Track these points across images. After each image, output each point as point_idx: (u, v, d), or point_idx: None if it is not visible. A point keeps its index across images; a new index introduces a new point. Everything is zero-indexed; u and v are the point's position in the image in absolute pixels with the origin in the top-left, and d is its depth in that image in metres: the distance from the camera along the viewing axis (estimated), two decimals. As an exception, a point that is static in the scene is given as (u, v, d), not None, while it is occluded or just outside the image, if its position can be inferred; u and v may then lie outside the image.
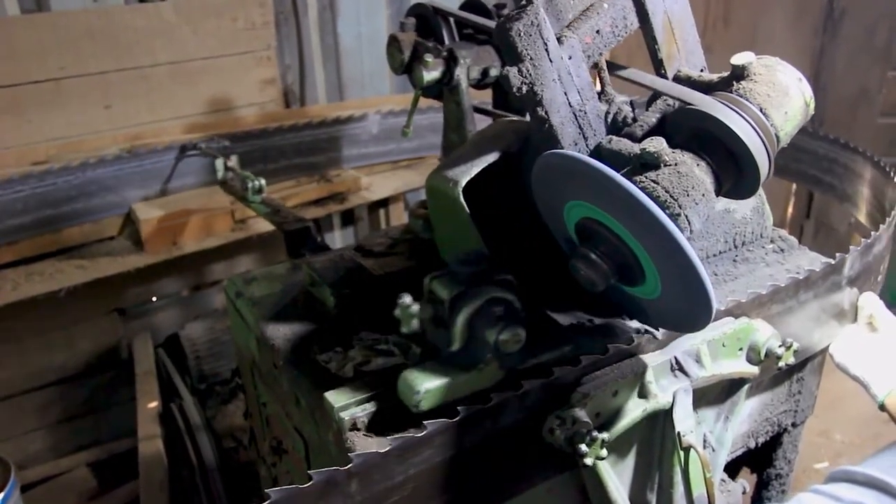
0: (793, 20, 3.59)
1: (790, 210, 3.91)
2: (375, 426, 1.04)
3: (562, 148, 1.03)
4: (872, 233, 1.33)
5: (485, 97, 1.60)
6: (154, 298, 2.79)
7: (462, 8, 1.52)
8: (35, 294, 2.23)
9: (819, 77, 3.60)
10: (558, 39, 1.02)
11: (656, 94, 1.10)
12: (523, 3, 1.00)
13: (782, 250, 1.42)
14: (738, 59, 1.00)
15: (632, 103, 1.12)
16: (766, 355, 1.17)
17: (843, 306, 1.35)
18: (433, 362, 1.04)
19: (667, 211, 0.90)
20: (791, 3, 3.57)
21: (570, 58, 1.03)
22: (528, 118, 1.08)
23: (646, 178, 0.93)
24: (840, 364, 1.35)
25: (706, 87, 1.05)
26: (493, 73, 1.46)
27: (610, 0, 1.09)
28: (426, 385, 1.00)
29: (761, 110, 0.97)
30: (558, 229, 1.06)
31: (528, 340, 1.02)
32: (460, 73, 1.41)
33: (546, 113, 1.02)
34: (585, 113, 1.05)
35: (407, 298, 1.01)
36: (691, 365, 1.12)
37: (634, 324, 1.19)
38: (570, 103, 1.04)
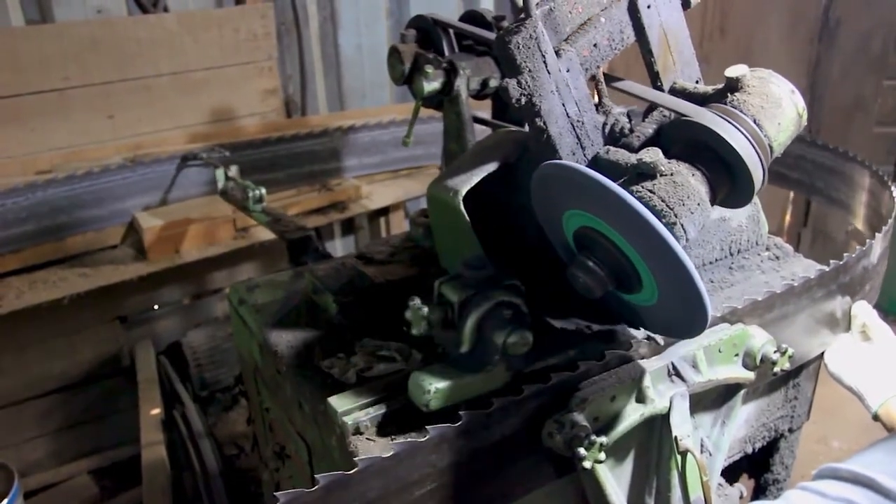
0: (788, 30, 3.63)
1: (788, 218, 3.93)
2: (378, 431, 1.06)
3: (560, 158, 1.06)
4: (868, 240, 1.35)
5: (485, 108, 1.63)
6: (156, 306, 2.80)
7: (462, 20, 1.55)
8: (38, 302, 2.24)
9: (815, 86, 3.63)
10: (556, 52, 1.05)
11: (652, 106, 1.13)
12: (522, 16, 1.02)
13: (777, 258, 1.44)
14: (732, 71, 1.02)
15: (629, 114, 1.14)
16: (762, 361, 1.18)
17: (837, 314, 1.37)
18: (442, 364, 1.07)
19: (663, 220, 0.92)
20: (787, 13, 3.61)
21: (567, 70, 1.05)
22: (526, 129, 1.10)
23: (642, 187, 0.95)
24: (834, 374, 1.36)
25: (701, 99, 1.07)
26: (493, 83, 1.48)
27: (607, 14, 1.12)
28: (436, 385, 1.02)
29: (755, 121, 1.00)
30: (557, 238, 1.08)
31: (533, 344, 1.04)
32: (460, 83, 1.43)
33: (544, 123, 1.04)
34: (583, 123, 1.08)
35: (417, 300, 1.03)
36: (688, 370, 1.13)
37: (633, 330, 1.21)
38: (567, 114, 1.06)
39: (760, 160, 0.99)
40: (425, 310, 1.03)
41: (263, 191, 2.14)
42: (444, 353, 1.11)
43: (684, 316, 0.94)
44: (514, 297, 1.05)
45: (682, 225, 0.94)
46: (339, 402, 1.07)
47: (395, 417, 1.07)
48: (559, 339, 1.16)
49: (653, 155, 0.96)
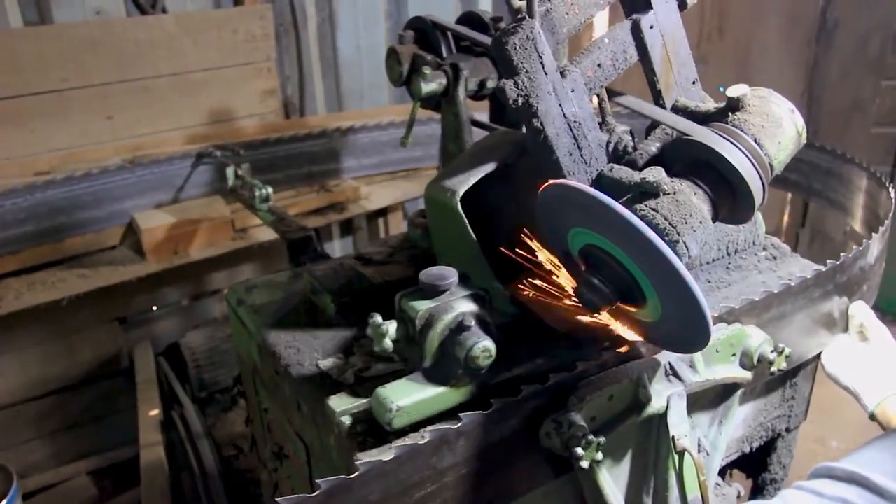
0: (786, 31, 3.63)
1: (786, 218, 3.94)
2: (376, 431, 1.06)
3: (557, 158, 1.06)
4: (865, 241, 1.35)
5: (482, 109, 1.63)
6: (154, 307, 2.80)
7: (459, 21, 1.55)
8: (37, 303, 2.24)
9: (813, 88, 3.63)
10: (562, 73, 1.05)
11: (655, 122, 1.14)
12: (519, 17, 1.03)
13: (775, 258, 1.45)
14: (733, 91, 1.04)
15: (631, 133, 1.14)
16: (759, 360, 1.19)
17: (834, 315, 1.37)
18: (406, 380, 1.04)
19: (666, 238, 0.93)
20: (785, 14, 3.61)
21: (573, 90, 1.06)
22: (524, 130, 1.10)
23: (646, 206, 0.97)
24: (831, 374, 1.37)
25: (703, 118, 1.08)
26: (490, 84, 1.49)
27: (611, 35, 1.13)
28: (399, 403, 0.99)
29: (756, 140, 1.01)
30: (562, 255, 1.08)
31: (501, 354, 1.02)
32: (458, 84, 1.44)
33: (541, 124, 1.04)
34: (580, 123, 1.08)
35: (378, 318, 1.02)
36: (685, 370, 1.14)
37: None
38: (564, 115, 1.07)
39: (761, 178, 1.01)
40: (385, 326, 1.02)
41: (270, 190, 2.16)
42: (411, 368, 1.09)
43: (686, 331, 0.95)
44: (477, 308, 1.03)
45: (684, 243, 0.96)
46: (337, 403, 1.08)
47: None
48: (527, 349, 1.15)
49: (656, 174, 0.98)
